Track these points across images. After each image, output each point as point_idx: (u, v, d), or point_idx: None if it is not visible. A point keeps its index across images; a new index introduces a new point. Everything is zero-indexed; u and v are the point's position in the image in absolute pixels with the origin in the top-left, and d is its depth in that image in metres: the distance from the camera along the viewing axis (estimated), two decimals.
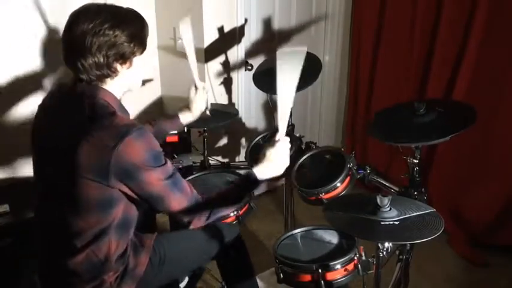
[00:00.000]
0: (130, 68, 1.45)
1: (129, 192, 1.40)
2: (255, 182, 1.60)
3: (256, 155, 1.67)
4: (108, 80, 1.44)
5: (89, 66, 1.38)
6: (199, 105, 1.96)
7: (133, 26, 1.41)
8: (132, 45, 1.41)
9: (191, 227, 1.53)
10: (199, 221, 1.52)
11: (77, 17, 1.38)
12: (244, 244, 1.87)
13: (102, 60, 1.37)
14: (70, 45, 1.39)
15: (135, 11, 1.47)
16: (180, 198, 1.45)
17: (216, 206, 1.55)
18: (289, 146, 1.62)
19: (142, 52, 1.46)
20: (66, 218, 1.43)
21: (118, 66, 1.41)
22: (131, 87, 1.52)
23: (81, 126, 1.36)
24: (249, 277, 1.87)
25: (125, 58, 1.41)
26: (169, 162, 1.45)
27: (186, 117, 1.96)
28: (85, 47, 1.36)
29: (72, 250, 1.44)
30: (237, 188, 1.63)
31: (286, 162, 1.62)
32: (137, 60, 1.46)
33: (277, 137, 1.58)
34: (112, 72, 1.41)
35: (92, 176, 1.34)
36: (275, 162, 1.60)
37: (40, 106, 1.55)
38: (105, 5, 1.42)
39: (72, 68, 1.41)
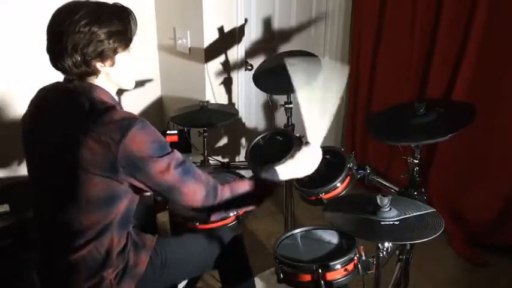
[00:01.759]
0: (114, 66, 1.41)
1: (142, 186, 1.39)
2: (276, 182, 1.58)
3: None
4: (94, 78, 1.42)
5: (68, 67, 1.36)
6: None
7: (113, 22, 1.37)
8: (111, 42, 1.37)
9: (212, 218, 1.49)
10: (218, 212, 1.50)
11: (56, 16, 1.37)
12: (243, 245, 1.87)
13: (79, 58, 1.35)
14: (50, 45, 1.39)
15: (120, 6, 1.42)
16: (194, 185, 1.43)
17: (235, 200, 1.51)
18: (320, 157, 1.63)
19: (125, 49, 1.42)
20: (69, 217, 1.42)
21: (98, 64, 1.38)
22: (121, 85, 1.49)
23: (80, 123, 1.36)
24: (247, 279, 1.87)
25: (103, 56, 1.37)
26: (176, 151, 1.42)
27: None
28: (62, 47, 1.34)
29: (75, 247, 1.43)
30: (261, 185, 1.56)
31: (311, 168, 1.64)
32: (122, 57, 1.42)
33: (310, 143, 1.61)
34: (93, 71, 1.39)
35: (100, 172, 1.33)
36: (301, 164, 1.61)
37: (30, 107, 1.53)
38: (85, 2, 1.39)
39: (56, 68, 1.40)
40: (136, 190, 1.43)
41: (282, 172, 1.59)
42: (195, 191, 1.43)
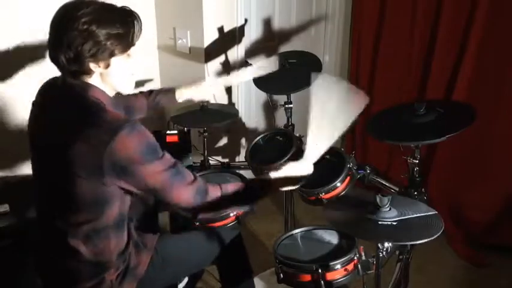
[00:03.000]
0: (109, 68, 1.39)
1: (131, 188, 1.39)
2: (270, 190, 1.59)
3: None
4: (88, 78, 1.39)
5: (62, 62, 1.35)
6: (204, 94, 2.05)
7: (114, 25, 1.34)
8: (108, 44, 1.34)
9: (199, 216, 1.49)
10: (208, 212, 1.50)
11: (60, 11, 1.36)
12: (244, 246, 1.87)
13: (72, 56, 1.33)
14: (49, 38, 1.37)
15: (128, 10, 1.40)
16: (183, 188, 1.42)
17: (226, 201, 1.51)
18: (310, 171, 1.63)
19: (123, 52, 1.39)
20: (63, 218, 1.43)
21: (92, 64, 1.36)
22: (117, 89, 1.46)
23: (72, 123, 1.35)
24: (246, 279, 1.87)
25: (98, 57, 1.35)
26: (167, 154, 1.41)
27: (182, 95, 1.99)
28: (58, 41, 1.33)
29: (71, 249, 1.43)
30: (252, 189, 1.58)
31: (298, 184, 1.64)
32: (120, 61, 1.40)
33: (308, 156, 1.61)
34: (86, 71, 1.37)
35: (86, 174, 1.32)
36: (295, 177, 1.61)
37: (33, 103, 1.53)
38: (95, 1, 1.37)
39: (52, 62, 1.38)
40: (129, 192, 1.43)
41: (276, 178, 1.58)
42: (184, 193, 1.43)
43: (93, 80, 1.40)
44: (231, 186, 1.54)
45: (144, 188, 1.39)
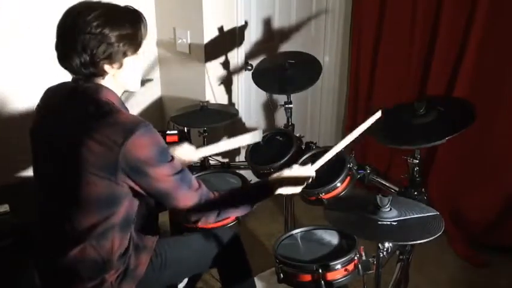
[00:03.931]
0: (122, 68, 1.43)
1: (138, 189, 1.41)
2: (270, 192, 1.63)
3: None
4: (100, 79, 1.42)
5: (76, 66, 1.37)
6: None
7: (125, 26, 1.38)
8: (121, 45, 1.38)
9: (200, 224, 1.53)
10: (207, 220, 1.54)
11: (68, 14, 1.37)
12: (242, 245, 1.87)
13: (88, 59, 1.35)
14: (59, 43, 1.38)
15: (133, 10, 1.44)
16: (188, 194, 1.47)
17: (226, 206, 1.56)
18: (312, 177, 1.69)
19: (134, 53, 1.43)
20: (70, 217, 1.42)
21: (106, 66, 1.39)
22: (127, 88, 1.51)
23: (85, 123, 1.36)
24: (247, 278, 1.87)
25: (112, 58, 1.38)
26: (176, 159, 1.46)
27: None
28: (72, 45, 1.34)
29: (75, 248, 1.44)
30: (250, 193, 1.63)
31: (300, 187, 1.69)
32: (131, 61, 1.43)
33: (312, 166, 1.69)
34: (100, 72, 1.40)
35: (100, 173, 1.34)
36: (296, 182, 1.66)
37: (37, 108, 1.54)
38: (100, 3, 1.40)
39: (63, 66, 1.40)
40: (136, 193, 1.45)
41: (276, 180, 1.64)
42: (188, 199, 1.47)
43: (106, 81, 1.43)
44: (232, 192, 1.59)
45: (151, 191, 1.42)
